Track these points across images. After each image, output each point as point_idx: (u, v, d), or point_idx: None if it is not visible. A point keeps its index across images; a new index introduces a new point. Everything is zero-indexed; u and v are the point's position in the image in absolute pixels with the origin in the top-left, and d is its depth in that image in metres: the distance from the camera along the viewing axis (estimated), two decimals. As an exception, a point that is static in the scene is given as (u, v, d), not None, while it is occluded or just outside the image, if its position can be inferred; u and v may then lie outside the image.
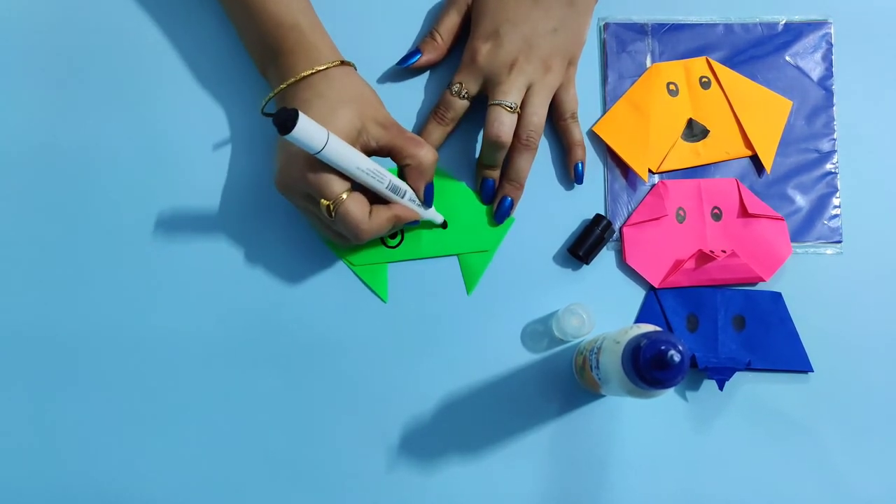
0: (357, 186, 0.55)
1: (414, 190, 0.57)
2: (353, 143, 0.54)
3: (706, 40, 0.65)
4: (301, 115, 0.49)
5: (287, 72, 0.56)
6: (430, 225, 0.62)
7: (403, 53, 0.63)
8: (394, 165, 0.57)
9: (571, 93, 0.62)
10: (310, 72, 0.55)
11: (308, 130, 0.49)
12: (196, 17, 0.63)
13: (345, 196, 0.53)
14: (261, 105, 0.57)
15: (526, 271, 0.62)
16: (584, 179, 0.63)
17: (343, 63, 0.57)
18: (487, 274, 0.62)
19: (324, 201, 0.53)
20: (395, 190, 0.56)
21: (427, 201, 0.58)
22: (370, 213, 0.55)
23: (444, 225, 0.62)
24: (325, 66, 0.55)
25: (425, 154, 0.56)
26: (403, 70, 0.63)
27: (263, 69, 0.60)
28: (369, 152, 0.56)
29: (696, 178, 0.64)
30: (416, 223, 0.59)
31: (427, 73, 0.64)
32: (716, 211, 0.63)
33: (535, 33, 0.59)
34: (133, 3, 0.63)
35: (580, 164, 0.62)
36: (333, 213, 0.53)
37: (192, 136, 0.62)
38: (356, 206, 0.54)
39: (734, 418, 0.61)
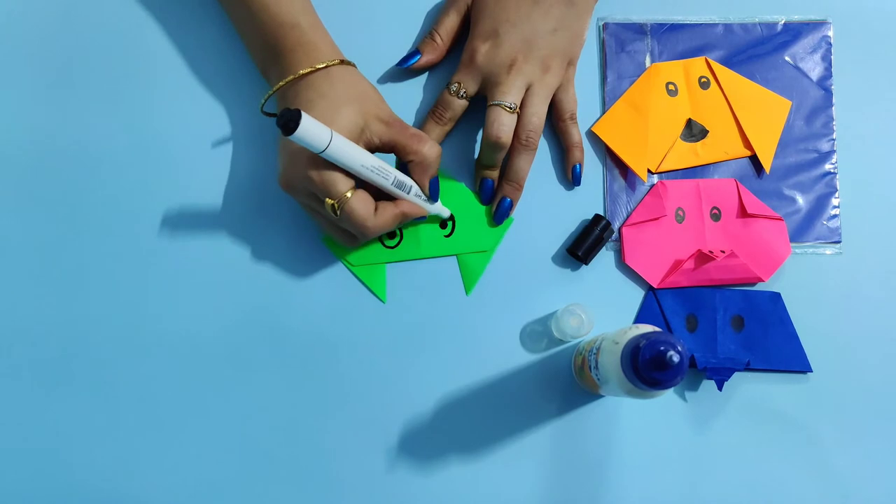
0: (361, 183, 0.55)
1: (419, 185, 0.57)
2: (357, 141, 0.54)
3: (705, 40, 0.65)
4: (304, 115, 0.49)
5: (287, 71, 0.56)
6: (437, 220, 0.62)
7: (403, 54, 0.63)
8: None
9: (570, 93, 0.62)
10: (310, 69, 0.55)
11: (312, 130, 0.49)
12: (196, 17, 0.63)
13: (349, 194, 0.53)
14: (260, 103, 0.57)
15: (525, 272, 0.62)
16: (583, 180, 0.63)
17: (343, 62, 0.57)
18: (486, 274, 0.62)
19: (328, 200, 0.53)
20: (400, 186, 0.56)
21: (433, 195, 0.58)
22: (376, 209, 0.55)
23: (451, 218, 0.62)
24: (324, 65, 0.55)
25: (429, 149, 0.56)
26: (403, 70, 0.63)
27: (265, 70, 0.60)
28: (372, 149, 0.56)
29: (695, 179, 0.64)
30: (423, 219, 0.59)
31: (426, 74, 0.64)
32: (715, 211, 0.63)
33: (534, 33, 0.59)
34: (133, 3, 0.63)
35: (578, 166, 0.62)
36: (339, 212, 0.53)
37: (191, 136, 0.62)
38: (361, 204, 0.54)
39: (733, 418, 0.61)
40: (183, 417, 0.60)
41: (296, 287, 0.61)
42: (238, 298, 0.61)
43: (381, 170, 0.54)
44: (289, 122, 0.49)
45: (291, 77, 0.55)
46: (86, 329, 0.60)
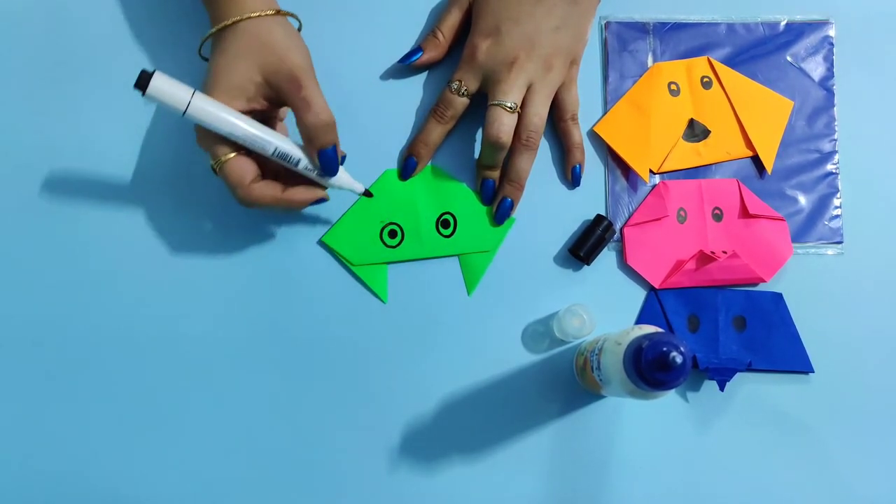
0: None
1: (308, 157, 0.54)
2: (251, 99, 0.53)
3: (708, 40, 0.65)
4: (156, 75, 0.48)
5: (213, 21, 0.55)
6: (362, 197, 0.58)
7: (405, 51, 0.62)
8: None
9: (573, 93, 0.62)
10: (221, 26, 0.53)
11: (165, 91, 0.48)
12: (192, 17, 0.63)
13: (224, 158, 0.53)
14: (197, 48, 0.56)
15: (527, 272, 0.62)
16: (585, 180, 0.62)
17: (279, 13, 0.54)
18: (488, 274, 0.62)
19: (210, 161, 0.54)
20: (284, 157, 0.54)
21: (325, 169, 0.54)
22: (257, 181, 0.54)
23: (367, 194, 0.58)
24: (231, 21, 0.52)
25: (312, 117, 0.52)
26: (405, 68, 0.63)
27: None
28: (272, 107, 0.55)
29: (697, 179, 0.63)
30: (323, 201, 0.56)
31: (427, 71, 0.64)
32: (717, 211, 0.63)
33: (537, 31, 0.59)
34: (130, 3, 0.63)
35: (578, 167, 0.62)
36: (218, 173, 0.54)
37: (188, 136, 0.62)
38: (236, 170, 0.53)
39: (735, 419, 0.61)
40: (183, 418, 0.59)
41: (296, 287, 0.61)
42: (238, 299, 0.60)
43: (258, 138, 0.52)
44: (141, 81, 0.47)
45: (211, 31, 0.53)
46: (84, 329, 0.60)
